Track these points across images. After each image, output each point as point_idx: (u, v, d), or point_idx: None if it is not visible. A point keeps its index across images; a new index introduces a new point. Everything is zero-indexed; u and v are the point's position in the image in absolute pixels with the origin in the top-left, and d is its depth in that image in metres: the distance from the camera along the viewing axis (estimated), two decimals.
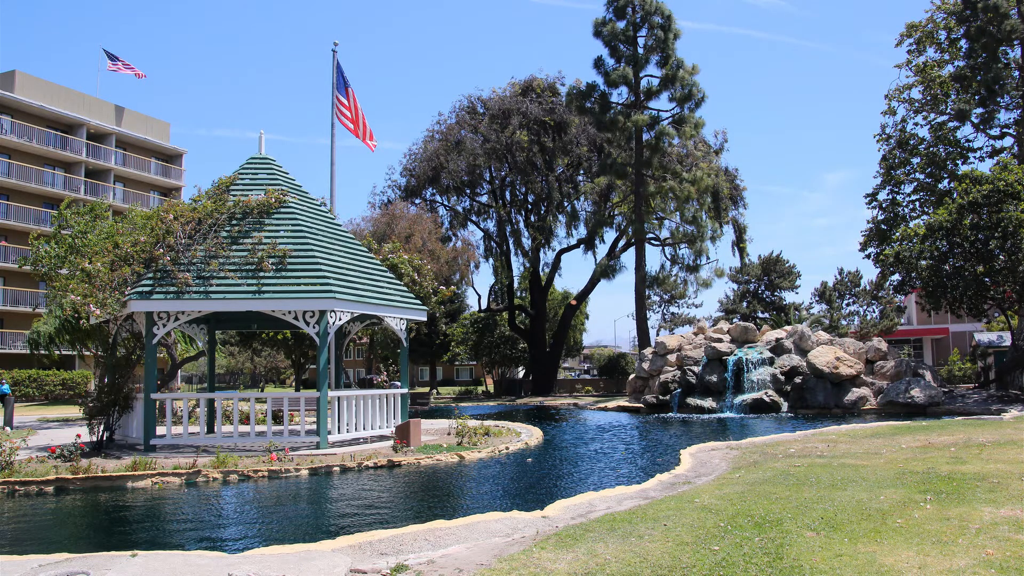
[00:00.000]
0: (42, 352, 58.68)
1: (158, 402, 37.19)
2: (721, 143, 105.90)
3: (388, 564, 15.43)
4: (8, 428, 47.04)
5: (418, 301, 42.88)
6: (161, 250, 36.46)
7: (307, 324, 35.58)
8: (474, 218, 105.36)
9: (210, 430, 40.26)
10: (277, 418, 44.41)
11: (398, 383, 52.98)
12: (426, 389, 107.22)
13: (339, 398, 37.46)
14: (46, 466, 31.06)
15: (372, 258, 42.25)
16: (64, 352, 62.78)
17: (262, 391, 57.12)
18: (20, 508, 26.09)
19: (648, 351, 75.08)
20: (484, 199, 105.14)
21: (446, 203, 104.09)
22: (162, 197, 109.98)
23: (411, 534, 18.25)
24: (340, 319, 36.53)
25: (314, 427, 38.33)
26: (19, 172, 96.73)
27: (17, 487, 28.45)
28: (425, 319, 43.73)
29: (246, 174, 40.93)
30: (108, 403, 37.97)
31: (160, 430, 37.55)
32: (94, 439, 37.61)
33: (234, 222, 37.78)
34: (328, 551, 17.08)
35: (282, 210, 38.71)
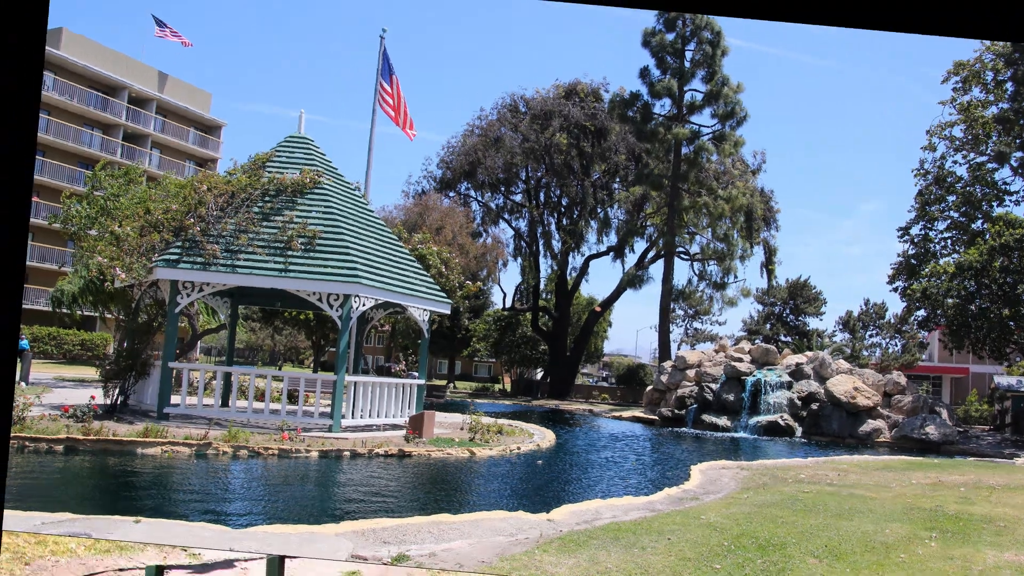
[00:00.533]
0: (64, 311, 58.78)
1: (175, 371, 37.15)
2: (759, 163, 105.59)
3: (390, 553, 15.44)
4: (24, 384, 47.14)
5: (443, 294, 42.85)
6: (192, 220, 36.49)
7: (331, 307, 35.60)
8: (506, 216, 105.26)
9: (224, 404, 40.21)
10: (292, 398, 44.36)
11: (416, 374, 53.00)
12: (443, 382, 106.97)
13: (356, 383, 37.48)
14: (58, 425, 31.14)
15: (401, 247, 42.27)
16: (86, 313, 62.92)
17: (280, 369, 57.12)
18: (28, 464, 26.16)
19: (668, 364, 74.96)
20: (518, 198, 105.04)
21: (480, 199, 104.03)
22: (197, 167, 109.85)
23: (415, 525, 18.27)
24: (364, 305, 36.56)
25: (328, 410, 38.28)
26: (58, 130, 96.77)
27: (27, 443, 28.53)
28: (449, 312, 43.74)
29: (283, 152, 40.92)
30: (125, 367, 38.02)
31: (175, 399, 37.53)
32: (108, 402, 37.65)
33: (267, 198, 37.80)
34: (331, 535, 17.09)
35: (316, 191, 38.70)
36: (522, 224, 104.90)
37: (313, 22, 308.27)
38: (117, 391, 38.04)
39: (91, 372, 54.67)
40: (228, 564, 15.64)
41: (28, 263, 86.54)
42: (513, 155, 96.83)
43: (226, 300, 45.76)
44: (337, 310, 35.60)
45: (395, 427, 39.21)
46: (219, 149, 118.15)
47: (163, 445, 29.69)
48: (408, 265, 41.04)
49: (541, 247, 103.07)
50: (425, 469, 30.77)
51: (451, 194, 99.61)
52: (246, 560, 15.31)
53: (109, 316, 64.14)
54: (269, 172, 39.09)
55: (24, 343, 51.61)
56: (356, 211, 40.40)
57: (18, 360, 54.02)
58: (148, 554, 15.63)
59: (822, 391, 63.71)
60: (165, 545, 15.97)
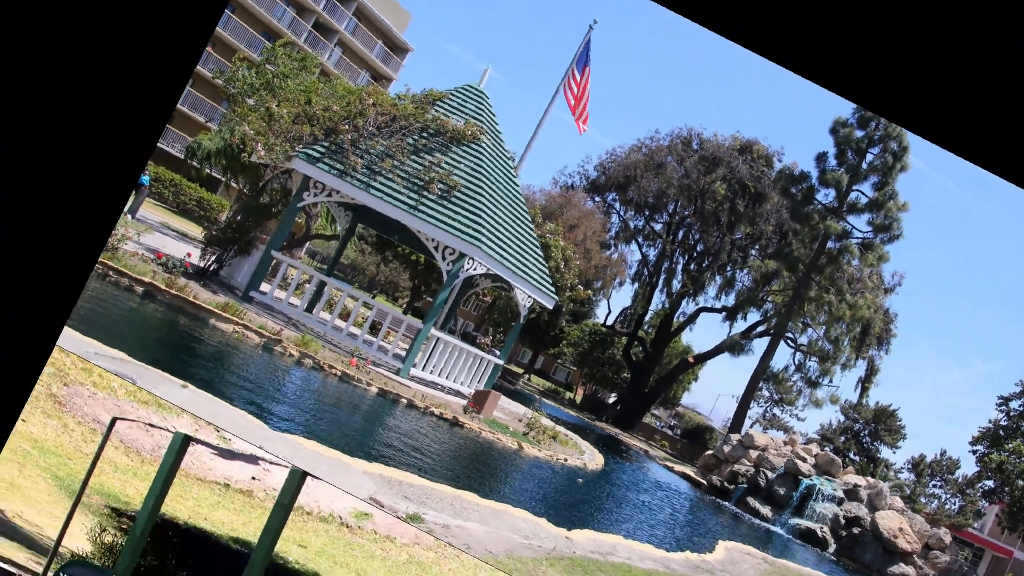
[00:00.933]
0: (194, 164, 59.05)
1: (275, 260, 37.23)
2: (895, 284, 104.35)
3: (406, 509, 15.37)
4: (130, 216, 47.48)
5: (552, 288, 42.74)
6: (346, 127, 36.56)
7: (443, 259, 35.58)
8: (640, 240, 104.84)
9: (309, 310, 40.24)
10: (374, 329, 44.39)
11: (497, 352, 52.94)
12: (520, 371, 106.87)
13: (438, 339, 37.47)
14: (146, 268, 31.33)
15: (531, 229, 42.19)
16: (213, 174, 63.23)
17: (373, 298, 57.38)
18: (105, 293, 26.36)
19: (735, 437, 74.54)
20: (657, 227, 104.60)
21: (622, 213, 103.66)
22: (371, 80, 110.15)
23: (440, 493, 18.19)
24: (475, 269, 36.53)
25: (403, 354, 38.30)
26: None
27: (111, 273, 28.73)
28: (551, 307, 43.67)
29: (456, 97, 40.89)
30: (229, 239, 38.18)
31: (264, 287, 37.62)
32: (201, 265, 37.80)
33: (424, 135, 37.81)
34: (359, 471, 17.05)
35: (471, 146, 38.65)
36: (651, 252, 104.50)
37: None
38: (214, 258, 38.21)
39: (196, 231, 55.11)
40: (252, 459, 15.62)
41: (179, 107, 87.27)
42: (669, 185, 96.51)
43: (348, 213, 45.82)
44: (448, 264, 35.58)
45: (459, 394, 39.16)
46: (398, 71, 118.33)
47: (237, 325, 29.82)
48: (530, 248, 40.94)
49: (661, 282, 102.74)
50: (471, 444, 30.73)
51: (596, 199, 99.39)
52: (270, 463, 15.29)
53: (234, 186, 64.53)
54: (436, 111, 39.09)
55: (145, 179, 52.02)
56: (501, 179, 40.34)
57: (133, 192, 54.57)
58: (182, 421, 15.67)
59: (869, 519, 63.11)
60: (201, 419, 16.00)
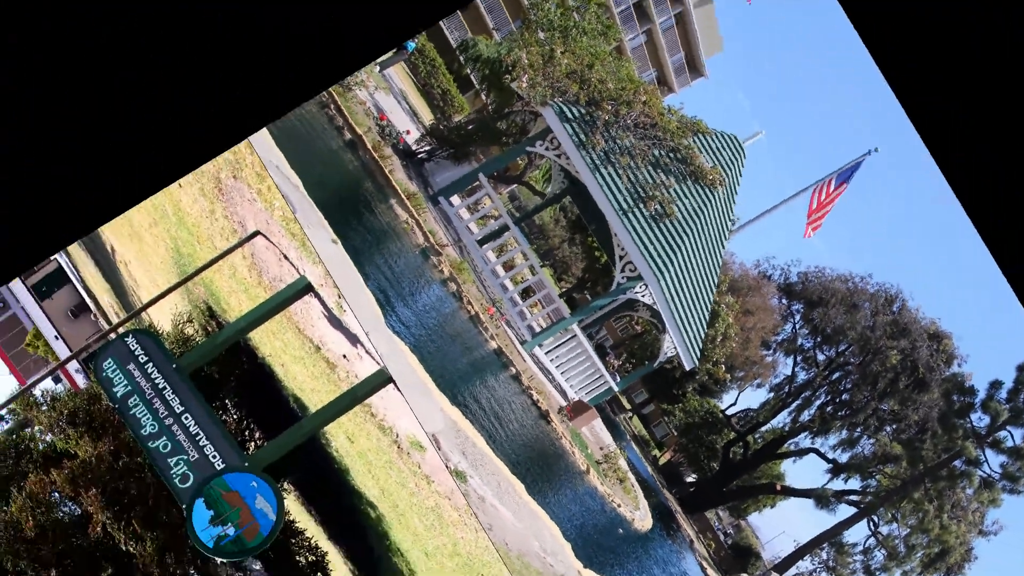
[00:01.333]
0: (460, 58, 59.42)
1: (478, 183, 37.39)
2: (992, 530, 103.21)
3: (456, 463, 15.39)
4: (378, 69, 47.83)
5: (698, 353, 42.49)
6: (609, 107, 36.56)
7: (621, 271, 35.53)
8: (798, 359, 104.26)
9: (482, 243, 40.38)
10: (525, 293, 44.40)
11: (619, 379, 52.85)
12: (627, 407, 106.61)
13: (576, 335, 37.41)
14: (365, 120, 31.65)
15: (711, 292, 41.97)
16: (471, 76, 63.66)
17: (540, 267, 57.58)
18: (316, 122, 26.67)
19: (774, 574, 74.17)
20: (820, 357, 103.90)
21: (797, 327, 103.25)
22: (654, 81, 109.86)
23: (494, 467, 18.20)
24: (643, 296, 36.42)
25: (537, 329, 38.31)
26: None
27: (331, 108, 29.05)
28: (687, 368, 43.37)
29: (717, 140, 40.73)
30: (450, 140, 38.44)
31: (455, 200, 37.83)
32: (413, 148, 38.09)
33: (670, 155, 37.70)
34: (438, 406, 17.10)
35: (706, 189, 38.50)
36: (801, 375, 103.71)
37: (833, 91, 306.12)
38: (427, 148, 38.51)
39: (427, 116, 55.50)
40: (353, 339, 15.73)
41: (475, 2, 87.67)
42: (852, 328, 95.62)
43: (565, 182, 45.84)
44: (623, 278, 35.51)
45: (563, 393, 39.11)
46: (682, 87, 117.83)
47: (411, 218, 30.01)
48: (701, 306, 40.74)
49: (794, 406, 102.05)
50: (546, 442, 30.74)
51: (783, 301, 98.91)
52: (366, 350, 15.37)
53: (482, 97, 64.90)
54: (693, 142, 38.94)
55: (411, 44, 52.49)
56: (713, 233, 40.16)
57: (392, 52, 55.06)
58: (314, 269, 15.80)
59: None
60: (332, 278, 16.10)
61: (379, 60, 50.41)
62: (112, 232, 39.41)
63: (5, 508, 23.79)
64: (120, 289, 47.57)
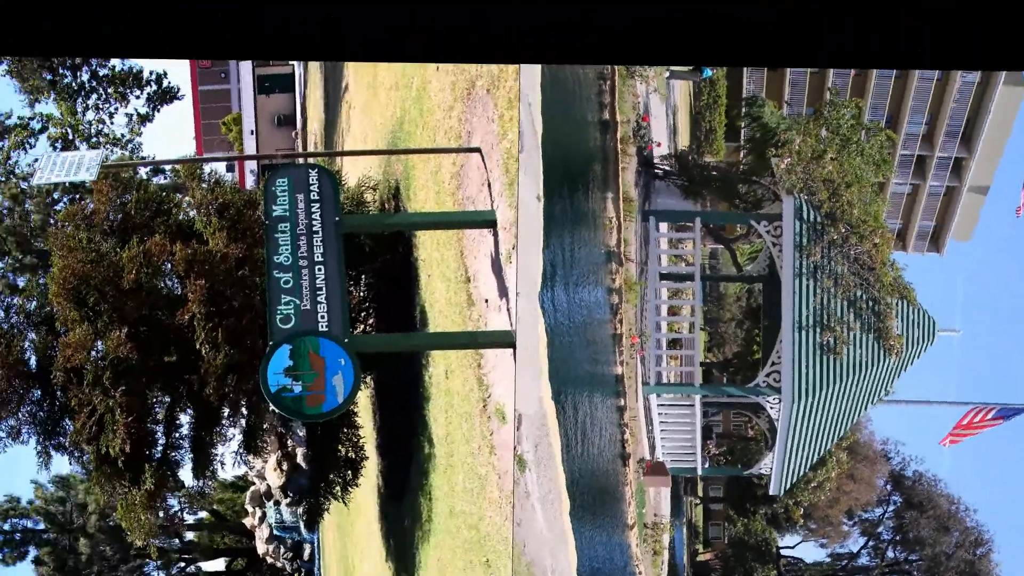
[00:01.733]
0: (742, 109, 59.19)
1: (690, 223, 37.21)
2: None
3: (524, 451, 15.40)
4: (666, 73, 47.75)
5: (791, 483, 42.00)
6: (842, 230, 36.18)
7: (766, 375, 35.38)
8: (870, 542, 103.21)
9: (662, 278, 40.21)
10: (673, 343, 44.23)
11: (707, 464, 52.55)
12: (699, 493, 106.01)
13: (694, 406, 37.26)
14: (627, 111, 31.61)
15: (834, 438, 41.50)
16: (741, 128, 63.50)
17: (699, 329, 56.33)
18: (586, 89, 26.64)
19: None
20: (890, 554, 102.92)
21: (886, 511, 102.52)
22: (894, 231, 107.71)
23: (553, 474, 18.21)
24: (771, 408, 36.15)
25: (666, 380, 38.18)
26: None
27: (606, 92, 29.05)
28: (771, 492, 43.01)
29: (917, 316, 39.71)
30: (687, 170, 38.47)
31: (663, 227, 37.85)
32: (655, 160, 38.26)
33: (868, 302, 37.20)
34: (539, 392, 17.06)
35: (881, 350, 37.73)
36: (864, 558, 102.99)
37: None
38: (667, 168, 38.58)
39: (684, 140, 55.56)
40: (503, 290, 15.75)
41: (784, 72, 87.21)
42: (931, 546, 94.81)
43: (766, 269, 45.14)
44: (764, 382, 35.36)
45: (652, 448, 38.93)
46: (912, 250, 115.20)
47: (616, 218, 30.17)
48: (816, 446, 40.15)
49: None
50: (611, 481, 30.73)
51: (888, 486, 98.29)
52: (508, 306, 15.40)
53: (739, 154, 64.65)
54: (895, 303, 38.44)
55: (707, 71, 52.47)
56: (865, 390, 39.49)
57: (688, 68, 55.13)
58: (505, 212, 15.85)
59: None
60: (517, 227, 16.15)
61: (672, 69, 50.39)
62: (354, 73, 39.85)
63: (119, 250, 24.21)
64: (331, 125, 48.17)
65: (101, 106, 56.67)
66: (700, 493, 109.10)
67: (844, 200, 36.63)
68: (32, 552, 73.58)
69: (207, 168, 27.85)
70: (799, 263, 34.68)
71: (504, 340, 17.01)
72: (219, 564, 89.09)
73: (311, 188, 17.99)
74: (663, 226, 37.67)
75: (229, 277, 23.21)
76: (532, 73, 18.14)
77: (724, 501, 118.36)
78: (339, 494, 29.15)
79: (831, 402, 37.15)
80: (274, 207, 17.93)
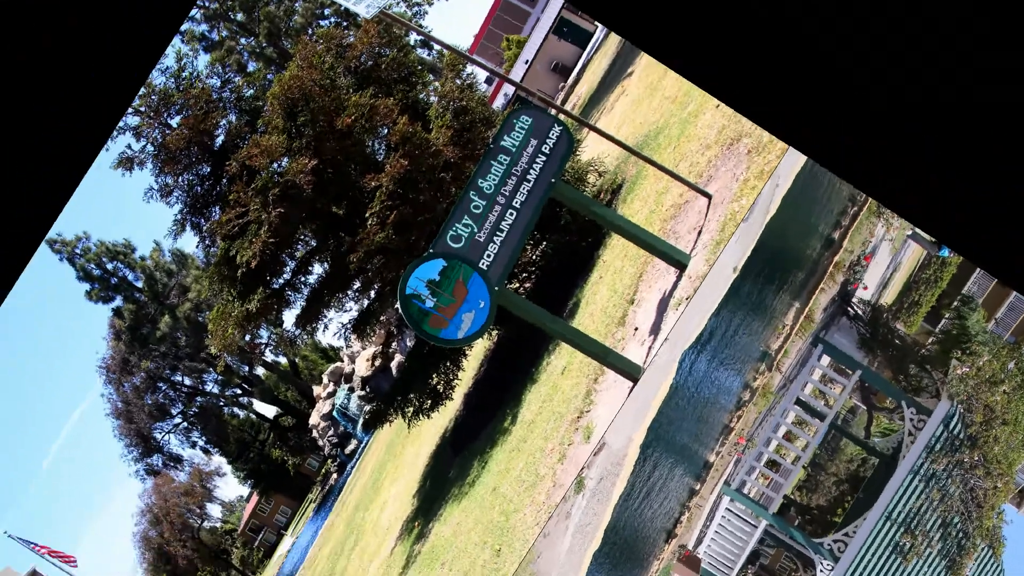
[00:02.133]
0: (948, 303, 58.71)
1: (850, 372, 36.95)
2: None
3: (588, 476, 15.42)
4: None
5: None
6: (976, 458, 35.85)
7: (834, 540, 35.12)
8: None
9: (796, 403, 40.02)
10: (772, 464, 43.96)
11: None
12: None
13: (756, 529, 37.04)
14: (856, 246, 31.44)
15: None
16: (942, 314, 62.86)
17: (801, 468, 55.50)
18: (834, 201, 26.46)
19: None
20: None
21: None
22: None
23: (600, 510, 18.25)
24: (821, 572, 35.85)
25: (746, 492, 37.92)
26: None
27: (847, 214, 28.85)
28: None
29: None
30: (875, 325, 38.18)
31: (824, 360, 37.54)
32: (853, 300, 37.84)
33: (961, 532, 36.78)
34: (632, 433, 17.07)
35: (949, 574, 37.67)
36: None
37: None
38: (858, 313, 38.16)
39: (888, 298, 55.14)
40: (655, 328, 15.75)
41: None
42: None
43: (890, 450, 44.80)
44: (828, 544, 35.06)
45: (698, 541, 38.72)
46: None
47: (788, 328, 30.10)
48: None
49: None
50: (646, 548, 30.76)
51: None
52: (651, 345, 15.41)
53: (925, 339, 64.01)
54: (985, 548, 38.01)
55: (945, 251, 51.74)
56: None
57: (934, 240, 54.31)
58: (697, 263, 15.84)
59: None
60: (702, 283, 16.15)
61: (918, 231, 49.80)
62: (645, 65, 39.92)
63: (351, 91, 24.62)
64: (597, 97, 48.41)
65: None
66: None
67: (993, 433, 36.17)
68: (118, 301, 74.50)
69: (468, 68, 28.13)
70: (921, 462, 34.33)
71: (631, 371, 17.07)
72: (270, 411, 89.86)
73: (547, 139, 18.11)
74: (825, 359, 37.30)
75: (431, 172, 23.49)
76: (796, 160, 18.09)
77: None
78: (409, 415, 29.38)
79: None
80: (506, 137, 18.08)
